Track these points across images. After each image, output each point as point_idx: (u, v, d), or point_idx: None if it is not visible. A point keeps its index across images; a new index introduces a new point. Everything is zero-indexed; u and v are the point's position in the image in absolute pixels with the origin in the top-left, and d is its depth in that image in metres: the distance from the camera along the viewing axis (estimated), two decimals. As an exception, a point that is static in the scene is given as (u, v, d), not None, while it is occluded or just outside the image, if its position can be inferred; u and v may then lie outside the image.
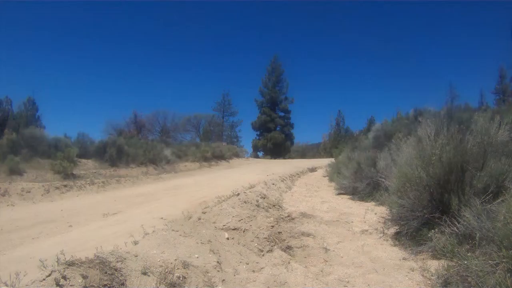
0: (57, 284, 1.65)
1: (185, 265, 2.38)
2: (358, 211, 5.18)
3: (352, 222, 4.53)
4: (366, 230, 4.05)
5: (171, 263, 2.31)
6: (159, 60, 58.59)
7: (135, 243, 2.78)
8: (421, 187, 3.18)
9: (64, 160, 10.04)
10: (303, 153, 38.13)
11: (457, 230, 2.69)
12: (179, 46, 60.00)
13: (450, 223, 2.76)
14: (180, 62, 60.04)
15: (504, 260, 1.93)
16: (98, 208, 6.29)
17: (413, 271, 2.67)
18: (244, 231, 3.58)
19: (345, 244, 3.54)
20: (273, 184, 8.12)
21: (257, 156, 33.59)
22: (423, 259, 2.85)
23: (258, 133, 37.31)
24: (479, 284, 1.96)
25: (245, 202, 4.71)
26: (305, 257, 3.20)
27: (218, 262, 2.70)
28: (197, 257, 2.67)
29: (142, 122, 32.44)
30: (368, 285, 2.47)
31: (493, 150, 3.26)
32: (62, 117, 47.77)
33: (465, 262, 2.16)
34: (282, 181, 9.55)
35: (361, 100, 60.47)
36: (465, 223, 2.62)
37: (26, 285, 1.66)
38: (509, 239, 1.97)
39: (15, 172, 8.95)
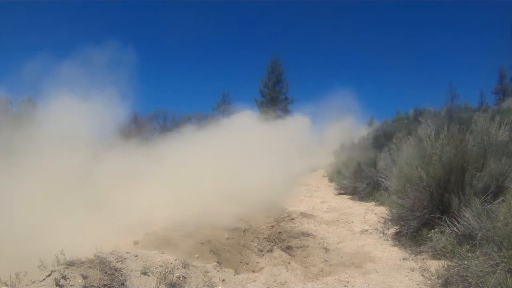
0: (57, 284, 1.65)
1: (185, 265, 2.37)
2: (358, 211, 5.17)
3: (352, 222, 4.52)
4: (366, 230, 4.04)
5: (171, 263, 2.31)
6: (159, 60, 58.45)
7: (135, 243, 2.79)
8: (421, 187, 3.18)
9: (64, 160, 10.04)
10: (303, 153, 38.17)
11: (457, 230, 2.69)
12: (179, 45, 59.86)
13: (450, 223, 2.76)
14: (180, 62, 59.90)
15: (504, 260, 1.92)
16: (98, 208, 6.28)
17: (413, 271, 2.67)
18: (244, 231, 3.58)
19: (345, 244, 3.53)
20: (273, 184, 8.10)
21: (257, 156, 33.56)
22: (423, 259, 2.85)
23: (258, 133, 37.35)
24: (479, 284, 1.96)
25: (245, 202, 4.70)
26: (305, 257, 3.20)
27: (218, 262, 2.70)
28: (197, 257, 2.67)
29: (142, 122, 32.44)
30: (368, 285, 2.47)
31: (493, 150, 3.26)
32: (62, 117, 47.69)
33: (465, 262, 2.15)
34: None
35: (361, 100, 60.28)
36: (465, 223, 2.62)
37: (26, 285, 1.66)
38: (509, 239, 1.97)
39: (15, 172, 8.95)
